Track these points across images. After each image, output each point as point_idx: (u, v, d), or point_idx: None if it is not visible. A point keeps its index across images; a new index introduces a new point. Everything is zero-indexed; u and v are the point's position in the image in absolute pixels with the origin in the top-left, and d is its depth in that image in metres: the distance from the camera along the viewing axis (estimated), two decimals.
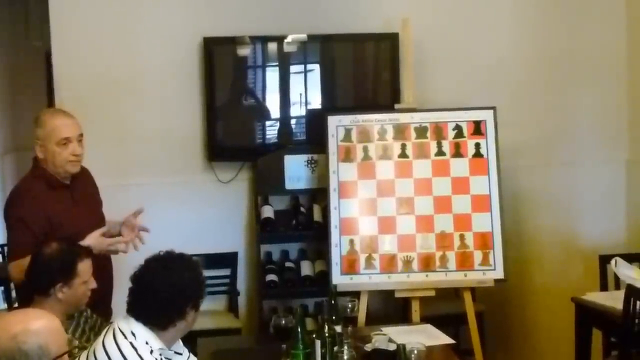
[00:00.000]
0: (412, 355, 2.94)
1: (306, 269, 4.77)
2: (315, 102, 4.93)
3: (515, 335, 5.11)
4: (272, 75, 4.93)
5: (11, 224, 3.46)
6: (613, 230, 5.17)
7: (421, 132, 4.53)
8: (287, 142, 4.87)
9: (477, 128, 4.52)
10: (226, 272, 4.85)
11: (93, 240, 3.42)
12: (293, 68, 4.93)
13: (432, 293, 4.39)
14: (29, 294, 3.04)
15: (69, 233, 3.33)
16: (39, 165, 3.52)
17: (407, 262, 4.39)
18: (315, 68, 4.96)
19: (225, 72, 4.87)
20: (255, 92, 4.99)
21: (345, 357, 3.00)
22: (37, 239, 3.31)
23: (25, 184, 3.56)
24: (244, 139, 4.96)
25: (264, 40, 4.82)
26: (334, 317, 3.24)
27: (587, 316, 4.18)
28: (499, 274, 4.38)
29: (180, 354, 2.83)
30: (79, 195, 3.60)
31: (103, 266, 3.51)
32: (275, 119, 4.95)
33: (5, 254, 6.56)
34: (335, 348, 3.06)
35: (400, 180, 4.47)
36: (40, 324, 2.02)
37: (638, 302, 3.69)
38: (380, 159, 4.50)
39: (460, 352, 4.23)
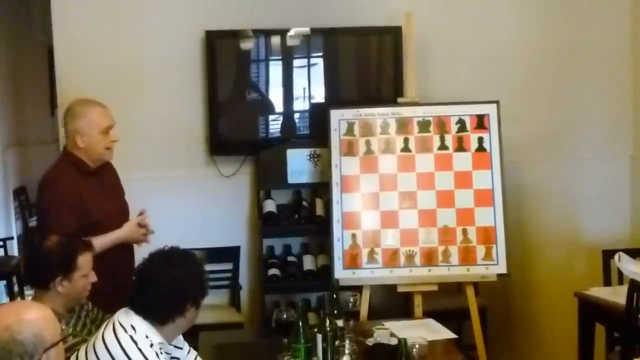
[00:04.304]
0: (414, 350, 2.93)
1: (308, 263, 4.76)
2: (318, 96, 4.92)
3: (518, 330, 5.10)
4: (275, 69, 4.92)
5: (48, 207, 3.54)
6: (616, 225, 5.15)
7: (424, 126, 4.51)
8: (289, 136, 4.86)
9: (480, 122, 4.51)
10: (228, 266, 4.85)
11: (128, 229, 3.60)
12: (296, 62, 4.91)
13: (435, 288, 4.38)
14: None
15: (97, 218, 3.50)
16: (69, 152, 3.61)
17: (410, 257, 4.38)
18: (319, 62, 4.95)
19: (227, 66, 4.85)
20: (257, 86, 4.98)
21: (347, 352, 3.00)
22: (74, 221, 3.41)
23: (58, 169, 3.64)
24: (247, 133, 4.94)
25: (267, 33, 4.80)
26: (335, 312, 3.25)
27: (590, 311, 4.18)
28: (502, 268, 4.37)
29: (181, 348, 2.84)
30: (106, 182, 3.72)
31: (126, 258, 3.59)
32: (278, 113, 4.94)
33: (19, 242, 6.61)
34: (337, 342, 3.06)
35: (403, 175, 4.46)
36: (33, 314, 2.02)
37: None
38: (383, 153, 4.49)
39: (463, 347, 4.23)
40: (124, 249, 3.63)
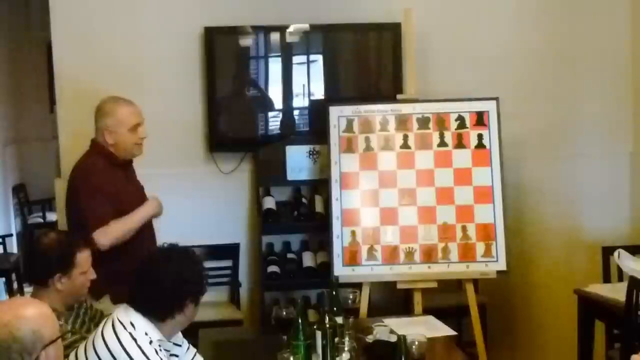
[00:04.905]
0: (414, 347, 2.93)
1: (308, 260, 4.76)
2: (318, 93, 4.91)
3: (517, 327, 5.10)
4: (274, 66, 4.91)
5: (85, 195, 3.62)
6: (616, 222, 5.15)
7: (423, 122, 4.50)
8: (289, 133, 4.85)
9: (480, 119, 4.50)
10: (228, 263, 4.84)
11: (156, 206, 3.81)
12: (295, 58, 4.90)
13: (434, 285, 4.38)
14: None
15: (128, 207, 3.68)
16: (99, 144, 3.75)
17: (409, 254, 4.37)
18: (318, 58, 4.94)
19: (226, 63, 4.84)
20: (257, 83, 4.97)
21: (346, 349, 3.00)
22: (111, 207, 3.59)
23: (90, 160, 3.76)
24: (246, 129, 4.93)
25: (266, 30, 4.79)
26: (335, 309, 3.23)
27: (590, 308, 4.17)
28: (502, 265, 4.36)
29: (180, 346, 2.83)
30: (130, 176, 3.89)
31: (149, 247, 3.68)
32: (277, 110, 4.93)
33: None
34: (336, 339, 3.05)
35: (402, 171, 4.45)
36: (31, 310, 2.01)
37: None
38: (382, 149, 4.48)
39: (463, 344, 4.23)
40: (150, 239, 3.78)
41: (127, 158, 3.81)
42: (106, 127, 3.71)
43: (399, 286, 4.40)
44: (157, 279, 2.66)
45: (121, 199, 3.69)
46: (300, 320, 2.98)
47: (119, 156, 3.75)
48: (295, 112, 4.95)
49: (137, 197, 3.86)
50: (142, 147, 3.82)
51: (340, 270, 4.35)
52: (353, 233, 4.40)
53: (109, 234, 3.55)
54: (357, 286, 4.22)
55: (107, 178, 3.67)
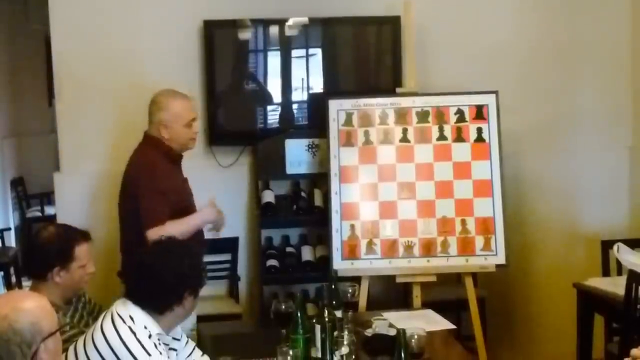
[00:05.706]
0: (412, 341, 2.93)
1: (307, 254, 4.75)
2: (317, 86, 4.91)
3: (516, 320, 5.10)
4: (273, 59, 4.89)
5: (144, 193, 3.65)
6: (615, 216, 5.14)
7: (423, 116, 4.50)
8: (288, 127, 4.84)
9: (479, 112, 4.49)
10: (227, 257, 4.83)
11: (213, 214, 3.85)
12: (294, 52, 4.89)
13: (433, 278, 4.38)
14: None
15: (184, 205, 3.76)
16: (156, 138, 3.77)
17: (408, 247, 4.37)
18: (317, 52, 4.93)
19: (225, 56, 4.83)
20: (256, 76, 4.96)
21: (345, 342, 2.99)
22: (169, 206, 3.63)
23: (149, 157, 3.77)
24: (245, 123, 4.93)
25: (265, 23, 4.78)
26: (334, 302, 3.23)
27: (589, 302, 4.18)
28: (501, 259, 4.36)
29: (178, 340, 2.83)
30: (181, 172, 3.91)
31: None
32: (276, 104, 4.92)
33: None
34: (335, 333, 3.04)
35: (402, 165, 4.44)
36: (29, 303, 2.02)
37: None
38: (382, 143, 4.48)
39: (462, 337, 4.23)
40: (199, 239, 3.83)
41: (183, 151, 3.85)
42: (161, 121, 3.75)
43: (398, 280, 4.40)
44: (156, 272, 2.66)
45: (179, 195, 3.74)
46: (299, 314, 2.98)
47: (174, 150, 3.78)
48: (295, 106, 4.94)
49: (189, 191, 3.92)
50: (195, 140, 3.88)
51: (339, 264, 4.35)
52: (352, 227, 4.40)
53: (162, 235, 3.53)
54: (356, 280, 4.22)
55: (167, 175, 3.72)
